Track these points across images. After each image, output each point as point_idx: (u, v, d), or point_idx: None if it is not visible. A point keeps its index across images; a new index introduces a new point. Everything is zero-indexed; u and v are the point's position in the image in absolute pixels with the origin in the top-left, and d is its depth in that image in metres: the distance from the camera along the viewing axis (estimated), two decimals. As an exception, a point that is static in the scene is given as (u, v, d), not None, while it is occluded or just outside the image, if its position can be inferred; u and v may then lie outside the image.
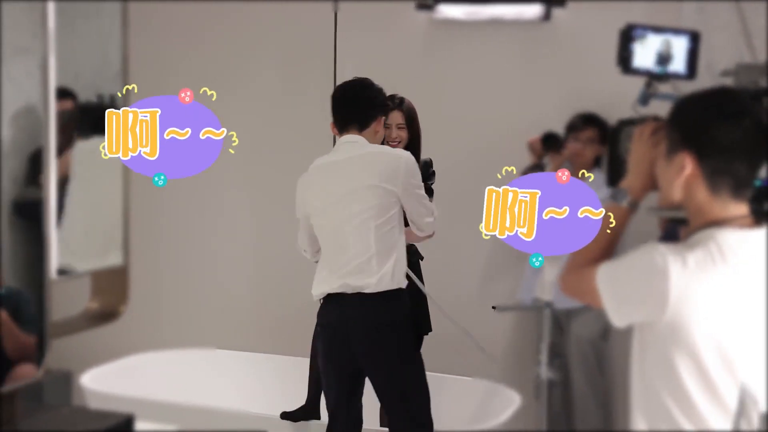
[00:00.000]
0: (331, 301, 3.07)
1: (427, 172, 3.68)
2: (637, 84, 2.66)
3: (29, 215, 1.60)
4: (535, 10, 4.12)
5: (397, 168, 3.02)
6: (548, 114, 4.12)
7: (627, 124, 1.99)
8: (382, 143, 3.50)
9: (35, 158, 1.60)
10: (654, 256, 1.69)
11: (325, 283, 3.07)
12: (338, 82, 4.25)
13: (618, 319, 1.75)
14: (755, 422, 1.91)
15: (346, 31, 4.31)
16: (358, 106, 3.12)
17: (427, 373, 3.92)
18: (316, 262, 3.20)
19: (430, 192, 3.59)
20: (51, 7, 1.52)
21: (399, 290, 3.05)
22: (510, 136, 4.19)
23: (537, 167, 3.95)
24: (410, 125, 3.61)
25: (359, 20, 4.29)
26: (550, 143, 3.91)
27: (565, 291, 1.93)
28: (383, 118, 3.18)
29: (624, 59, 2.11)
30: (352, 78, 3.16)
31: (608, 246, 1.86)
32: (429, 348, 3.58)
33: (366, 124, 3.12)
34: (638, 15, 3.73)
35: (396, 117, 3.61)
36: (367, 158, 3.06)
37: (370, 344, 3.05)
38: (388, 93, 3.82)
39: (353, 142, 3.09)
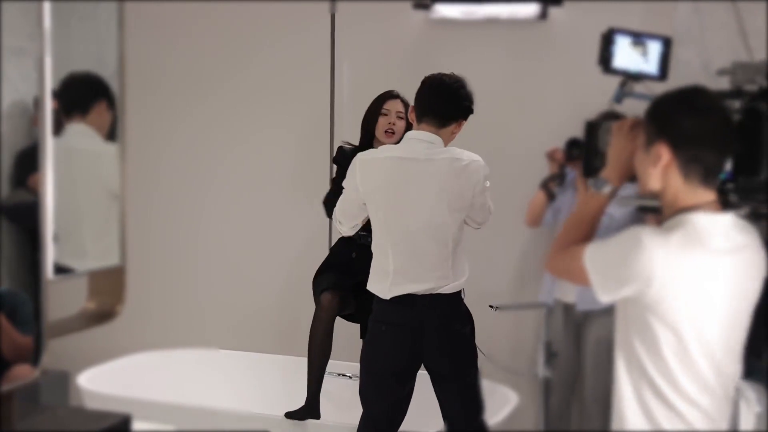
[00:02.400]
0: (402, 301, 3.04)
1: None
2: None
3: (16, 218, 1.60)
4: (531, 10, 4.12)
5: (479, 178, 3.04)
6: (544, 113, 4.13)
7: (602, 120, 2.16)
8: (374, 133, 3.55)
9: (21, 159, 1.60)
10: (640, 236, 1.85)
11: (398, 286, 3.03)
12: (336, 82, 4.27)
13: (605, 294, 1.92)
14: (750, 420, 1.94)
15: (343, 30, 4.32)
16: (448, 101, 3.05)
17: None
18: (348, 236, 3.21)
19: None
20: (47, 8, 1.52)
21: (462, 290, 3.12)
22: (506, 135, 4.19)
23: (559, 176, 3.93)
24: (407, 118, 3.62)
25: (356, 19, 4.29)
26: (577, 152, 3.78)
27: (552, 272, 2.11)
28: (463, 122, 3.10)
29: (605, 60, 2.28)
30: (449, 73, 3.07)
31: (589, 230, 2.04)
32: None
33: (447, 122, 3.05)
34: (634, 15, 3.74)
35: (397, 105, 3.62)
36: (453, 166, 3.01)
37: (445, 344, 3.07)
38: (383, 92, 3.84)
39: (431, 142, 3.03)
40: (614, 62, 2.27)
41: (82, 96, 1.75)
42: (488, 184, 3.10)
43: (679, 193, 1.89)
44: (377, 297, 3.10)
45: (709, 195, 1.89)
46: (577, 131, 3.92)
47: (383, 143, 3.53)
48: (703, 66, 2.46)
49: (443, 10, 4.22)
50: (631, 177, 2.00)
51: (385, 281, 3.06)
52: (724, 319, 1.87)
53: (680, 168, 1.88)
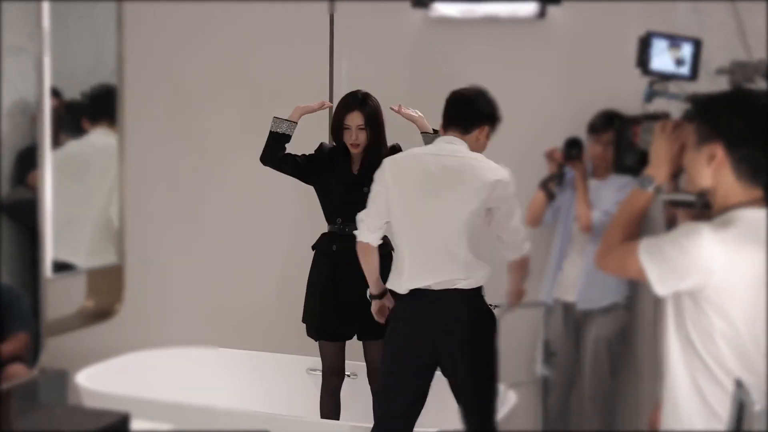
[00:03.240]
0: (418, 296, 3.09)
1: None
2: (632, 82, 2.68)
3: (16, 216, 1.59)
4: (530, 8, 4.12)
5: (496, 183, 3.10)
6: (543, 112, 4.12)
7: (634, 119, 2.27)
8: (343, 144, 3.63)
9: (22, 157, 1.60)
10: (700, 230, 1.93)
11: (413, 279, 3.09)
12: (335, 81, 4.27)
13: (662, 288, 1.99)
14: (752, 420, 1.95)
15: (342, 28, 4.31)
16: (465, 109, 3.21)
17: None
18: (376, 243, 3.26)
19: None
20: (46, 7, 1.52)
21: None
22: (505, 133, 4.18)
23: (558, 176, 3.93)
24: (372, 126, 3.63)
25: (355, 18, 4.29)
26: (576, 152, 3.81)
27: (605, 269, 2.17)
28: (488, 128, 3.23)
29: (643, 63, 2.38)
30: (468, 86, 3.26)
31: (637, 226, 2.12)
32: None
33: (468, 129, 3.18)
34: (633, 14, 3.74)
35: (356, 118, 3.63)
36: (474, 167, 3.11)
37: (460, 340, 3.10)
38: (382, 91, 3.85)
39: (455, 144, 3.17)
40: (652, 64, 2.37)
41: (112, 108, 1.78)
42: (512, 204, 3.19)
43: (731, 190, 1.98)
44: (396, 294, 3.17)
45: (757, 192, 1.98)
46: (577, 130, 3.94)
47: (352, 152, 3.68)
48: (702, 64, 2.47)
49: (442, 9, 4.22)
50: (675, 175, 2.12)
51: (401, 276, 3.12)
52: None
53: (732, 166, 1.97)
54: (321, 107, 3.75)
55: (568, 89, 4.08)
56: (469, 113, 3.20)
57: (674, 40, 2.38)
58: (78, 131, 1.72)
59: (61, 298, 1.74)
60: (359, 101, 3.64)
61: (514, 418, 3.76)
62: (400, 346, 3.16)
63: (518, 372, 4.01)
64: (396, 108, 3.72)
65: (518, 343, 4.20)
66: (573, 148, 3.80)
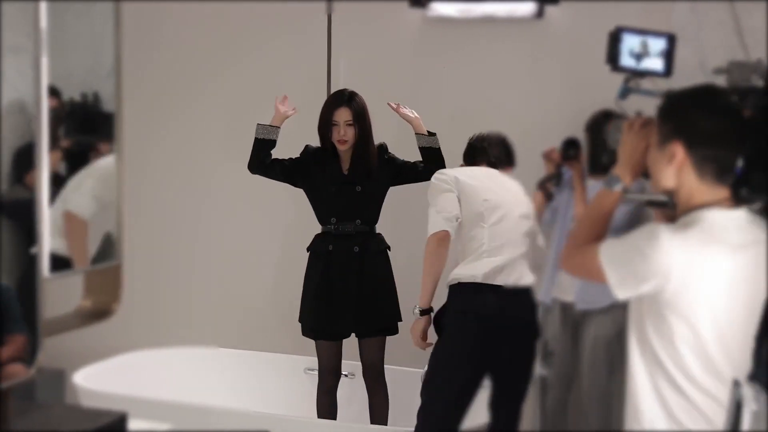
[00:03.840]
0: (492, 290, 3.10)
1: (383, 157, 3.72)
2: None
3: (13, 215, 1.59)
4: (528, 8, 4.12)
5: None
6: (542, 111, 4.12)
7: (606, 117, 2.25)
8: (331, 144, 3.65)
9: (20, 156, 1.60)
10: (658, 233, 1.88)
11: (493, 274, 3.12)
12: (332, 80, 4.27)
13: (622, 291, 1.93)
14: (747, 419, 1.94)
15: (340, 28, 4.31)
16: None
17: (423, 370, 3.93)
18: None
19: (410, 169, 3.73)
20: (43, 7, 1.52)
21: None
22: (503, 132, 4.18)
23: (556, 177, 3.93)
24: (359, 122, 3.64)
25: (353, 17, 4.29)
26: (573, 152, 3.81)
27: (568, 270, 2.12)
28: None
29: (613, 58, 2.31)
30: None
31: (603, 227, 2.06)
32: (428, 347, 3.58)
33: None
34: (631, 13, 3.74)
35: (344, 114, 3.64)
36: (509, 180, 3.35)
37: (525, 338, 3.15)
38: (379, 91, 3.86)
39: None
40: (622, 60, 2.30)
41: None
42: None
43: (694, 190, 1.92)
44: (462, 287, 3.13)
45: (723, 192, 1.92)
46: (575, 130, 3.94)
47: (340, 149, 3.68)
48: (700, 64, 2.47)
49: (440, 9, 4.22)
50: (643, 174, 2.04)
51: (483, 270, 3.11)
52: (740, 313, 1.90)
53: (695, 166, 1.91)
54: (294, 111, 3.75)
55: (566, 89, 4.08)
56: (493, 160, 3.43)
57: (646, 36, 2.31)
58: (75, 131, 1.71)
59: (59, 297, 1.74)
60: (347, 98, 3.66)
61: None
62: (469, 342, 3.11)
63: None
64: (394, 106, 3.72)
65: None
66: (570, 148, 3.80)
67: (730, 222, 1.90)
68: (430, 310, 3.24)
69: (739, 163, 1.99)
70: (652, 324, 1.91)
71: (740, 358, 1.93)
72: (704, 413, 1.89)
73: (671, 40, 2.31)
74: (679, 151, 1.91)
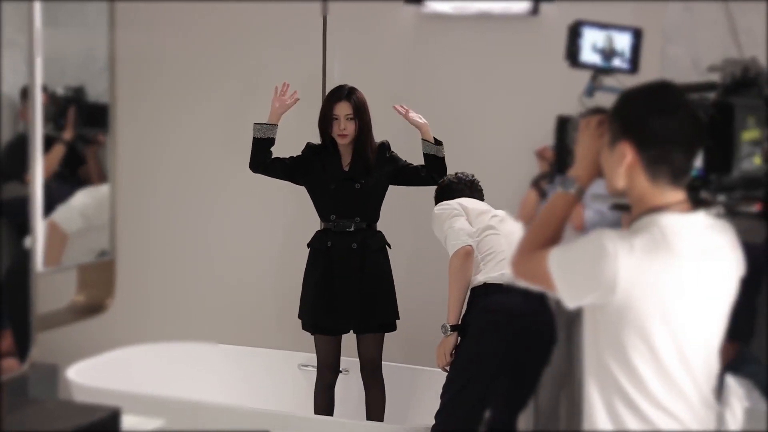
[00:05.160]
0: (518, 293, 3.06)
1: (385, 155, 3.72)
2: (624, 80, 2.67)
3: (6, 211, 1.59)
4: (523, 5, 4.12)
5: None
6: (536, 109, 4.12)
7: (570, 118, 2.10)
8: (331, 136, 3.67)
9: (10, 152, 1.60)
10: (603, 241, 1.77)
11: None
12: (327, 77, 4.27)
13: (570, 301, 1.87)
14: (739, 417, 1.93)
15: (335, 25, 4.31)
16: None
17: (421, 368, 3.95)
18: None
19: (411, 171, 3.74)
20: (37, 7, 1.51)
21: None
22: (498, 130, 4.19)
23: (550, 175, 3.94)
24: (359, 117, 3.65)
25: (348, 14, 4.29)
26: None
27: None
28: None
29: (572, 54, 2.20)
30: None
31: (556, 231, 1.94)
32: (425, 344, 3.59)
33: None
34: (625, 12, 3.74)
35: (344, 108, 3.65)
36: None
37: (546, 340, 3.13)
38: (375, 88, 3.86)
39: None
40: (582, 56, 2.18)
41: None
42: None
43: (646, 193, 1.82)
44: (490, 288, 3.17)
45: (677, 194, 1.82)
46: (568, 127, 3.94)
47: (340, 144, 3.69)
48: (693, 63, 2.46)
49: (435, 6, 4.22)
50: (600, 175, 1.93)
51: (504, 268, 3.14)
52: (697, 322, 1.80)
53: (645, 167, 1.81)
54: (294, 101, 3.74)
55: (561, 86, 4.08)
56: None
57: (609, 30, 2.18)
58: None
59: (52, 292, 1.74)
60: (347, 92, 3.67)
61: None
62: (500, 342, 3.13)
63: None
64: (403, 111, 3.72)
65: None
66: None
67: (683, 227, 1.80)
68: (459, 326, 3.26)
69: (698, 163, 1.89)
70: (604, 337, 1.82)
71: (702, 371, 1.83)
72: (659, 429, 1.79)
73: (637, 34, 2.19)
74: (628, 151, 1.80)
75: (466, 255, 3.25)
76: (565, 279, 1.85)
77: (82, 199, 1.81)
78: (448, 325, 3.25)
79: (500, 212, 3.43)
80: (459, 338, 3.26)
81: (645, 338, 1.77)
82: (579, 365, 3.91)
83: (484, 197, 3.61)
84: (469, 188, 3.58)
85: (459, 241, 3.26)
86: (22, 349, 1.61)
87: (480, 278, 3.23)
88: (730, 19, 2.54)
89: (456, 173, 3.62)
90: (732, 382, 2.05)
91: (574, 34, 2.19)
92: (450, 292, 3.26)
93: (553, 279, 1.86)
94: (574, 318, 3.90)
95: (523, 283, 1.99)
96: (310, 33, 4.33)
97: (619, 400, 1.81)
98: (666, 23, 2.80)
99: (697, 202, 1.89)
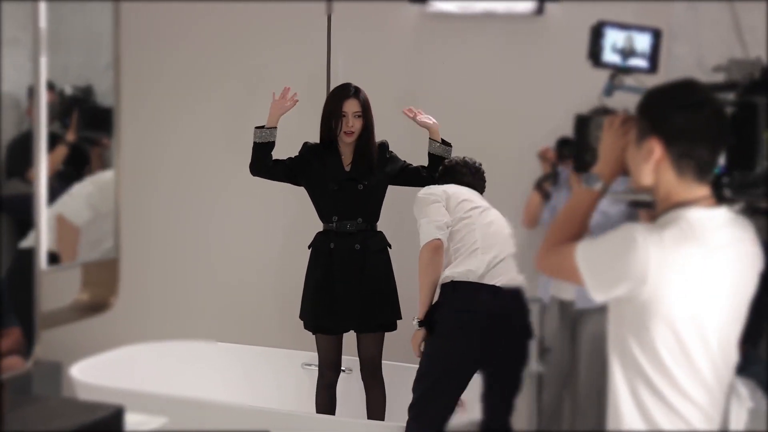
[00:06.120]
0: (488, 290, 3.15)
1: (385, 155, 3.72)
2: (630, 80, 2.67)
3: (8, 208, 1.59)
4: (528, 5, 4.12)
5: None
6: (541, 108, 4.12)
7: (593, 115, 2.14)
8: (338, 132, 3.66)
9: (13, 150, 1.60)
10: (634, 234, 1.83)
11: (491, 275, 3.17)
12: (332, 76, 4.26)
13: (598, 293, 1.91)
14: (743, 417, 1.93)
15: (340, 24, 4.31)
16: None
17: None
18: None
19: (412, 172, 3.75)
20: (42, 6, 1.51)
21: None
22: (502, 130, 4.18)
23: (552, 176, 3.94)
24: (366, 114, 3.65)
25: (353, 13, 4.28)
26: (568, 150, 3.84)
27: (543, 270, 2.06)
28: None
29: (594, 54, 2.24)
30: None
31: (581, 227, 2.00)
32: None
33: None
34: (630, 10, 3.74)
35: (353, 105, 3.64)
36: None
37: (520, 337, 3.18)
38: (379, 87, 3.85)
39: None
40: (604, 56, 2.23)
41: None
42: None
43: (672, 188, 1.87)
44: (458, 286, 3.18)
45: (703, 190, 1.88)
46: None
47: (345, 142, 3.67)
48: (698, 62, 2.46)
49: (440, 5, 4.22)
50: (624, 172, 1.98)
51: (478, 268, 3.18)
52: (722, 314, 1.86)
53: (673, 163, 1.86)
54: (293, 103, 3.74)
55: (566, 86, 4.08)
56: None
57: (629, 30, 2.23)
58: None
59: (56, 290, 1.74)
60: (353, 90, 3.67)
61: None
62: (465, 341, 3.16)
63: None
64: (411, 114, 3.72)
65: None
66: (564, 147, 3.83)
67: (709, 221, 1.85)
68: (425, 322, 3.28)
69: (721, 161, 1.94)
70: (630, 327, 1.87)
71: (723, 361, 1.88)
72: (684, 417, 1.84)
73: (656, 35, 2.23)
74: (656, 147, 1.86)
75: (435, 249, 3.25)
76: (594, 272, 1.89)
77: (87, 189, 1.81)
78: (416, 321, 3.29)
79: (483, 203, 3.39)
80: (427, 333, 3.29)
81: (673, 329, 1.82)
82: (582, 365, 3.93)
83: (485, 189, 3.58)
84: (473, 175, 3.54)
85: (428, 235, 3.26)
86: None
87: (447, 273, 3.22)
88: (735, 17, 2.53)
89: (464, 157, 3.59)
90: (736, 382, 2.05)
91: (597, 34, 2.24)
92: (420, 286, 3.29)
93: (581, 272, 1.91)
94: (577, 318, 3.92)
95: (547, 277, 2.07)
96: (313, 33, 4.33)
97: (646, 389, 1.86)
98: (671, 22, 2.80)
99: (719, 199, 1.93)
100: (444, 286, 3.24)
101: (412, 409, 3.25)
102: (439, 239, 3.25)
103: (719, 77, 2.31)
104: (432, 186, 3.47)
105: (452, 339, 3.19)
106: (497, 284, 3.16)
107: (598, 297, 1.91)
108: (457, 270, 3.20)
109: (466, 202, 3.36)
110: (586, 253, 1.91)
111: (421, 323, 3.27)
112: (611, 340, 1.95)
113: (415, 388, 3.25)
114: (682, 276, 1.81)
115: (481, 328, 3.14)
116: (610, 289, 1.88)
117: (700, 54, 2.39)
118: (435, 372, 3.21)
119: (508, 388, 3.25)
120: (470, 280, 3.17)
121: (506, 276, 3.20)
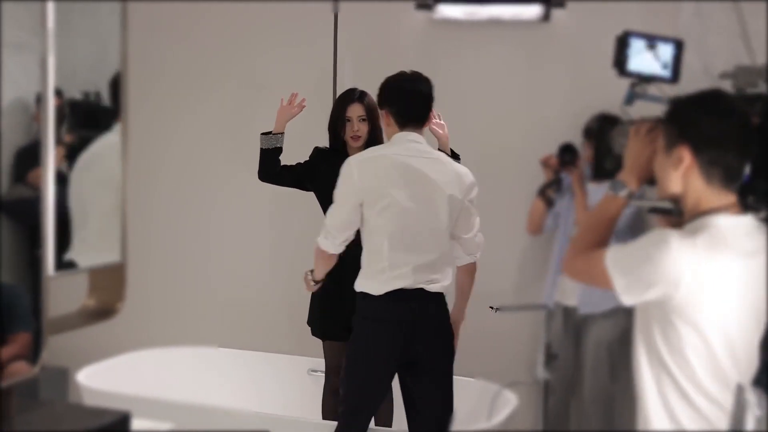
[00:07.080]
0: (394, 297, 3.09)
1: None
2: (636, 85, 2.67)
3: (15, 214, 1.59)
4: (534, 11, 4.12)
5: (470, 184, 3.17)
6: (547, 114, 4.13)
7: (606, 121, 2.18)
8: (343, 137, 3.62)
9: (21, 155, 1.60)
10: (667, 239, 1.86)
11: (392, 281, 3.09)
12: (338, 82, 4.27)
13: (629, 297, 1.92)
14: (752, 425, 1.93)
15: (346, 29, 4.32)
16: (425, 102, 3.19)
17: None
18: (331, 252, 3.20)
19: None
20: (50, 7, 1.52)
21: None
22: (508, 136, 4.19)
23: (555, 182, 3.95)
24: (371, 119, 3.64)
25: (359, 19, 4.29)
26: (569, 157, 3.86)
27: (571, 275, 2.10)
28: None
29: (620, 63, 2.28)
30: (408, 71, 3.20)
31: (607, 232, 2.04)
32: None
33: (425, 122, 3.20)
34: (636, 17, 3.74)
35: (358, 110, 3.64)
36: (446, 167, 3.16)
37: (435, 340, 3.13)
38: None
39: (419, 142, 3.15)
40: (629, 65, 2.28)
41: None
42: (474, 193, 3.20)
43: (701, 195, 1.91)
44: (367, 294, 3.14)
45: (730, 197, 1.92)
46: (580, 134, 3.94)
47: (352, 147, 3.64)
48: (705, 68, 2.46)
49: (446, 11, 4.22)
50: (649, 180, 2.03)
51: (378, 277, 3.10)
52: (748, 319, 1.90)
53: (702, 170, 1.90)
54: (300, 109, 3.73)
55: (572, 92, 4.08)
56: (427, 106, 3.19)
57: (653, 41, 2.28)
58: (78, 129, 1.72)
59: (63, 296, 1.74)
60: (359, 95, 3.67)
61: (515, 420, 3.76)
62: (374, 347, 3.15)
63: (519, 374, 4.01)
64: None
65: (519, 345, 4.20)
66: (566, 154, 3.85)
67: (738, 228, 1.89)
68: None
69: (746, 170, 1.97)
70: (659, 330, 1.90)
71: (746, 365, 1.92)
72: (708, 419, 1.88)
73: (678, 45, 2.29)
74: (686, 155, 1.90)
75: (320, 252, 3.24)
76: (626, 276, 1.91)
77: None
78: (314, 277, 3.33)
79: (419, 194, 3.09)
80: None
81: (701, 333, 1.86)
82: (586, 370, 3.92)
83: (429, 115, 3.25)
84: (393, 103, 3.18)
85: (321, 237, 3.22)
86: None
87: (362, 286, 3.16)
88: (742, 22, 2.54)
89: (393, 77, 3.24)
90: (746, 389, 2.06)
91: (623, 44, 2.27)
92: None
93: (611, 276, 1.92)
94: (581, 324, 3.92)
95: (577, 282, 2.13)
96: (318, 37, 4.34)
97: (674, 392, 1.89)
98: (677, 29, 2.80)
99: (744, 206, 1.97)
100: (358, 293, 3.20)
101: (339, 406, 3.30)
102: (324, 250, 3.23)
103: (726, 84, 2.32)
104: (352, 157, 3.29)
105: (357, 345, 3.18)
106: (405, 287, 3.09)
107: (627, 300, 1.93)
108: (359, 285, 3.18)
109: (373, 188, 3.14)
110: (616, 258, 1.93)
111: (316, 283, 3.32)
112: (637, 342, 1.97)
113: (340, 389, 3.30)
114: (713, 283, 1.85)
115: (381, 334, 3.13)
116: (641, 293, 1.90)
117: (708, 60, 2.40)
118: (352, 376, 3.21)
119: (441, 390, 3.20)
120: (373, 293, 3.13)
121: (414, 279, 3.10)
